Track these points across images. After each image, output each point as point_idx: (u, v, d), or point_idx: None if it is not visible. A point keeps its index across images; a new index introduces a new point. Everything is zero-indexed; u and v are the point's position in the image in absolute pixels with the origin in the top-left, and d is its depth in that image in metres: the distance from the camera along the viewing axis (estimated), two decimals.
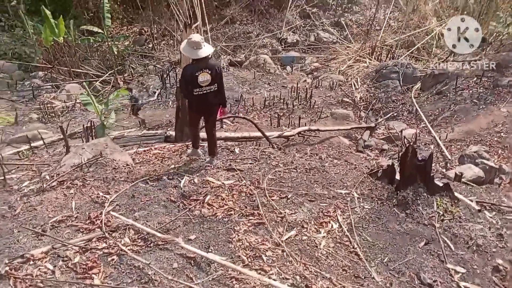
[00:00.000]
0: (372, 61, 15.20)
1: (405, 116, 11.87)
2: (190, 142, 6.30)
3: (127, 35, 16.79)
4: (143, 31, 16.83)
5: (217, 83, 5.32)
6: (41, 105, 11.52)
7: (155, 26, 16.91)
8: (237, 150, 6.12)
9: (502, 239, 4.40)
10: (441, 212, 4.58)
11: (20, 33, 15.36)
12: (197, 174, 5.21)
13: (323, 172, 5.45)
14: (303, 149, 8.45)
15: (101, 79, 13.84)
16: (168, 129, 7.89)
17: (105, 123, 7.05)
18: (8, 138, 9.69)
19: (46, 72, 14.07)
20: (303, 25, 18.48)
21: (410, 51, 16.19)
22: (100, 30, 13.39)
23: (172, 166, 5.63)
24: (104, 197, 4.61)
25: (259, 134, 7.63)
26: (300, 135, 9.01)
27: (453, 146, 9.73)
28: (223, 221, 4.25)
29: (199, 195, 4.69)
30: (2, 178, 5.20)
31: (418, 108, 11.66)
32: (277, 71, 14.48)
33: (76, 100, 12.11)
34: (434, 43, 16.96)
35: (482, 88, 11.90)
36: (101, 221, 4.05)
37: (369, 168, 6.61)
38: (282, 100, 11.51)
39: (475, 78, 12.34)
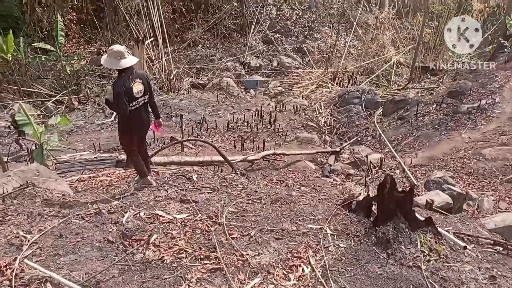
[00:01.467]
0: (334, 86, 14.82)
1: (369, 141, 11.39)
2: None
3: (84, 54, 15.68)
4: (101, 51, 15.77)
5: (149, 92, 4.90)
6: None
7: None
8: (194, 177, 5.22)
9: (495, 282, 3.72)
10: (426, 251, 3.85)
11: None
12: (145, 207, 4.27)
13: (291, 204, 4.63)
14: (268, 174, 7.67)
15: (53, 99, 12.65)
16: (120, 153, 6.88)
17: (44, 147, 5.97)
18: None
19: None
20: (266, 50, 18.02)
21: (370, 77, 15.98)
22: (53, 48, 12.27)
23: (118, 196, 4.68)
24: (24, 237, 3.58)
25: (221, 158, 6.78)
26: (265, 159, 8.24)
27: (418, 172, 9.22)
28: (172, 267, 3.32)
29: (144, 233, 3.74)
30: None
31: (381, 133, 11.21)
32: (240, 94, 13.77)
33: None
34: (392, 70, 16.87)
35: (442, 114, 11.64)
36: (13, 271, 3.04)
37: (339, 197, 5.88)
38: (246, 123, 10.76)
39: (434, 105, 12.11)
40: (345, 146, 10.56)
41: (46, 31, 15.25)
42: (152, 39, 13.39)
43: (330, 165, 9.25)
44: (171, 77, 13.89)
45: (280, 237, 3.91)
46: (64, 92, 12.86)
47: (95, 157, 6.30)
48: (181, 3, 18.35)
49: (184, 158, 6.44)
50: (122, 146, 5.16)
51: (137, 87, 4.66)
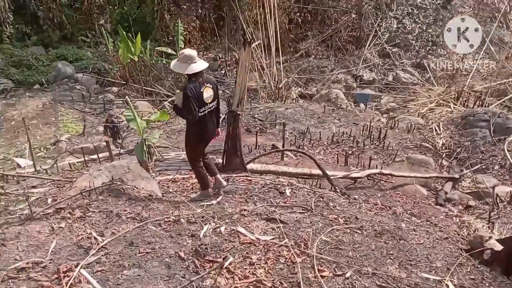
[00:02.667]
0: (457, 106, 12.92)
1: (496, 171, 9.50)
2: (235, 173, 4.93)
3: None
4: (217, 57, 16.02)
5: (217, 98, 4.66)
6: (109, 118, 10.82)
7: (229, 53, 16.03)
8: (287, 192, 4.52)
9: None
10: None
11: (103, 50, 15.23)
12: (227, 220, 3.67)
13: (400, 240, 3.64)
14: (372, 195, 6.65)
15: (170, 99, 13.03)
16: (218, 156, 6.50)
17: (144, 144, 5.81)
18: (72, 148, 9.04)
19: (120, 88, 13.60)
20: (381, 64, 16.63)
21: (502, 100, 13.65)
22: (174, 52, 12.66)
23: (203, 203, 4.17)
24: (95, 239, 3.22)
25: (320, 172, 5.96)
26: (369, 178, 7.20)
27: None
28: None
29: (220, 253, 3.12)
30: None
31: None
32: (349, 107, 12.73)
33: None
34: None
35: None
36: (69, 280, 2.63)
37: (461, 235, 4.66)
38: (352, 138, 9.75)
39: None
40: (466, 173, 8.91)
41: (172, 37, 15.96)
42: (259, 41, 13.04)
43: (446, 193, 7.82)
44: (280, 86, 13.43)
45: (385, 284, 2.97)
46: None
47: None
48: (298, 14, 17.89)
49: (281, 168, 5.77)
50: (187, 154, 4.81)
51: (208, 92, 4.43)
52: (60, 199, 4.09)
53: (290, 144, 9.21)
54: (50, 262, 2.97)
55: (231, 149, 5.32)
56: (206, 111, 4.48)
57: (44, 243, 3.27)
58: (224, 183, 4.69)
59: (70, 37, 16.74)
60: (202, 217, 3.76)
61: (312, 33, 18.07)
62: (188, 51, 4.43)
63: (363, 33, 17.58)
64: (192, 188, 5.05)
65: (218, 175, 4.76)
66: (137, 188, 4.45)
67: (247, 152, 8.41)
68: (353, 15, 18.23)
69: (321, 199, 4.44)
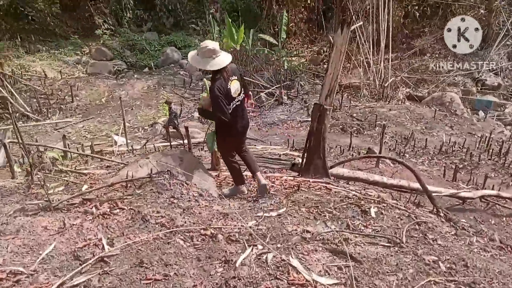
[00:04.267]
0: None
1: None
2: (314, 178, 4.27)
3: (304, 53, 15.49)
4: (321, 51, 15.29)
5: (243, 88, 4.20)
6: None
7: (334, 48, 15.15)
8: (373, 212, 3.61)
9: None
10: None
11: (210, 38, 15.52)
12: (280, 245, 2.93)
13: None
14: (485, 221, 5.49)
15: (266, 91, 12.74)
16: (298, 155, 5.76)
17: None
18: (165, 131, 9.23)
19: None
20: (510, 68, 14.35)
21: None
22: (274, 41, 12.30)
23: (259, 214, 3.52)
24: (100, 249, 2.76)
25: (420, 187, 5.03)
26: (483, 200, 6.00)
27: None
28: None
29: None
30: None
31: None
32: (465, 114, 11.11)
33: None
34: None
35: None
36: None
37: None
38: (465, 150, 8.39)
39: None
40: None
41: (278, 28, 15.66)
42: (361, 23, 11.94)
43: None
44: (386, 84, 12.27)
45: None
46: (277, 86, 12.79)
47: (270, 154, 5.45)
48: (416, 7, 16.27)
49: (373, 176, 4.96)
50: (220, 151, 4.53)
51: (234, 86, 3.99)
52: (93, 188, 3.79)
53: (389, 150, 8.22)
54: (30, 275, 2.47)
55: (312, 149, 4.55)
56: (235, 105, 4.05)
57: (42, 244, 2.79)
58: (264, 181, 4.20)
59: (182, 25, 17.42)
60: (250, 234, 3.00)
61: (430, 29, 16.32)
62: (211, 44, 3.91)
63: (492, 32, 15.33)
64: (257, 191, 4.36)
65: (258, 173, 4.24)
66: (187, 184, 3.82)
67: (338, 153, 7.68)
68: (482, 11, 15.99)
69: (417, 228, 3.47)
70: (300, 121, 10.60)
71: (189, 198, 3.65)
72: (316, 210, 3.60)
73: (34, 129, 9.69)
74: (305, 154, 4.62)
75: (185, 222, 3.21)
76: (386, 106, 10.95)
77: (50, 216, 3.19)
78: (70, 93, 11.04)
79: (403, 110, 10.66)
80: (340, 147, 7.87)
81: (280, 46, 12.23)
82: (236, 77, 4.03)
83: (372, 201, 3.85)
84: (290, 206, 3.71)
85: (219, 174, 4.95)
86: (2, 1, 12.65)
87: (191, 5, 17.64)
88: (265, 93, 12.67)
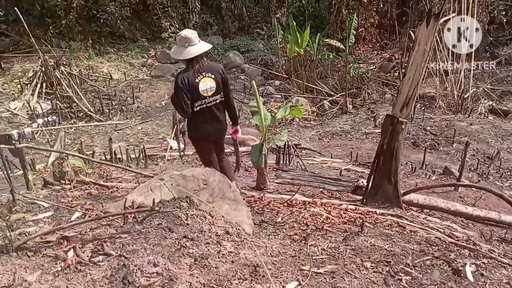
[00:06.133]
0: None
1: None
2: (382, 207, 3.53)
3: (371, 59, 14.52)
4: (393, 58, 14.22)
5: (223, 91, 3.79)
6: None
7: (407, 54, 14.03)
8: (469, 273, 2.54)
9: None
10: None
11: (275, 43, 15.11)
12: None
13: None
14: None
15: (330, 98, 12.00)
16: (364, 176, 4.91)
17: (265, 146, 4.41)
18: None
19: (282, 82, 13.17)
20: None
21: None
22: (340, 45, 11.55)
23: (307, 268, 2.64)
24: None
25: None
26: None
27: None
28: None
29: None
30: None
31: None
32: None
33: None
34: None
35: None
36: None
37: None
38: None
39: None
40: None
41: (346, 33, 14.88)
42: (455, 14, 10.67)
43: None
44: (466, 96, 10.99)
45: None
46: (342, 93, 12.01)
47: (330, 168, 4.73)
48: (504, 13, 14.65)
49: (454, 205, 4.08)
50: (200, 158, 4.19)
51: (206, 84, 3.62)
52: (75, 222, 2.83)
53: (470, 170, 7.17)
54: None
55: (382, 170, 3.71)
56: (205, 106, 3.67)
57: None
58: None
59: (247, 29, 17.21)
60: None
61: None
62: (186, 32, 3.61)
63: None
64: (305, 225, 3.34)
65: (233, 183, 3.72)
66: (211, 217, 2.88)
67: (409, 171, 6.79)
68: None
69: None
70: (365, 132, 9.74)
71: (210, 238, 2.72)
72: (388, 267, 2.64)
73: (95, 129, 9.80)
74: (372, 176, 3.79)
75: (190, 285, 2.25)
76: (466, 120, 9.74)
77: (2, 263, 2.34)
78: (132, 95, 11.11)
79: (486, 125, 9.41)
80: (411, 164, 6.96)
81: (348, 51, 11.45)
82: (212, 76, 3.66)
83: (465, 251, 2.87)
84: (350, 257, 2.77)
85: (262, 197, 3.98)
86: (75, 3, 13.13)
87: (257, 10, 17.39)
88: (328, 101, 11.95)
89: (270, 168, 5.69)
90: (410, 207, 3.98)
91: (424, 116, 10.06)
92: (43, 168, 5.24)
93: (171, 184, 3.04)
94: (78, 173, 3.87)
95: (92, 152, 6.12)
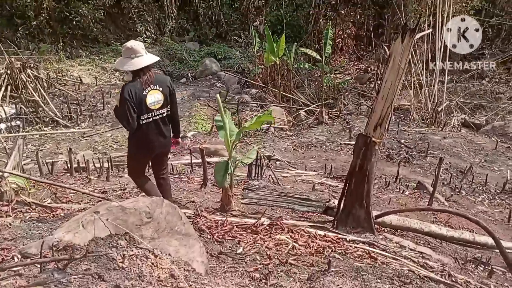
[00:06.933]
0: None
1: None
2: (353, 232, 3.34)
3: (347, 70, 14.57)
4: (369, 69, 14.30)
5: (170, 105, 3.72)
6: (238, 122, 10.19)
7: (383, 66, 14.14)
8: None
9: None
10: None
11: (252, 51, 14.98)
12: None
13: None
14: None
15: (306, 108, 11.91)
16: (333, 199, 4.52)
17: (230, 164, 3.96)
18: (192, 146, 8.62)
19: (258, 90, 13.02)
20: None
21: None
22: (316, 56, 11.50)
23: None
24: None
25: (489, 240, 4.00)
26: None
27: None
28: None
29: None
30: None
31: None
32: None
33: (271, 124, 10.46)
34: None
35: None
36: None
37: None
38: None
39: None
40: None
41: (323, 43, 14.89)
42: (431, 30, 10.76)
43: None
44: (440, 109, 11.09)
45: None
46: (318, 104, 11.94)
47: (303, 182, 4.51)
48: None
49: (428, 226, 3.92)
50: (127, 167, 4.02)
51: (153, 97, 3.52)
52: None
53: (443, 184, 7.14)
54: None
55: (353, 193, 3.47)
56: (151, 119, 3.57)
57: None
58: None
59: (224, 36, 17.03)
60: None
61: (490, 51, 14.94)
62: (131, 43, 3.51)
63: None
64: (276, 252, 3.10)
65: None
66: (154, 257, 2.40)
67: (382, 185, 6.69)
68: None
69: None
70: (340, 143, 9.66)
71: (150, 285, 2.20)
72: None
73: (61, 136, 9.37)
74: (343, 198, 3.58)
75: None
76: (439, 134, 9.79)
77: None
78: (102, 100, 10.71)
79: (459, 139, 9.47)
80: (385, 178, 6.88)
81: (324, 61, 11.40)
82: (160, 88, 3.56)
83: (440, 286, 2.65)
84: None
85: (224, 222, 3.55)
86: (45, 4, 12.65)
87: (235, 17, 17.23)
88: (304, 111, 11.85)
89: (240, 183, 5.45)
90: (383, 228, 3.82)
91: (399, 129, 10.06)
92: None
93: (107, 219, 2.56)
94: (19, 193, 3.49)
95: (51, 161, 5.75)
